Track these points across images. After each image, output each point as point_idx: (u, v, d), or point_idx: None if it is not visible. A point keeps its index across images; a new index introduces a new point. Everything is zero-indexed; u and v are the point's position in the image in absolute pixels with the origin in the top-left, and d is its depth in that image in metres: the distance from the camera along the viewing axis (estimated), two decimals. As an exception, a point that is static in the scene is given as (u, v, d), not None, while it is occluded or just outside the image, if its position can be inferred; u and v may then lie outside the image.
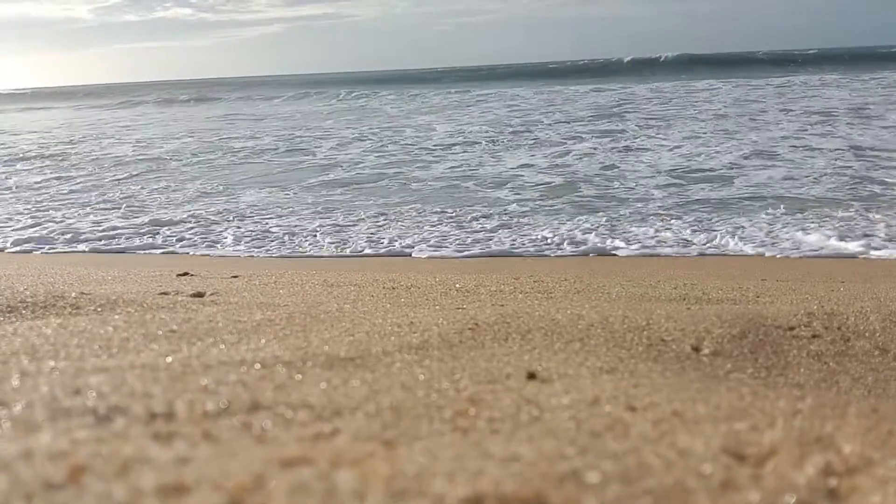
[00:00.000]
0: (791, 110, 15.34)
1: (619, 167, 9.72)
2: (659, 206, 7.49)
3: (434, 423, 1.13)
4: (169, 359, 1.51)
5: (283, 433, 1.05)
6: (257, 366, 1.46)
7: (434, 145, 12.90)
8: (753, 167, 9.16)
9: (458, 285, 3.70)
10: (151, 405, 1.13)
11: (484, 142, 12.90)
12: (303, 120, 20.08)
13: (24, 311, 2.21)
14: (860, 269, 4.07)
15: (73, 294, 2.46)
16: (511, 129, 14.73)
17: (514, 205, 7.92)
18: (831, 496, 0.89)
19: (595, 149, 11.42)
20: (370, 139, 14.32)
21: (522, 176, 9.58)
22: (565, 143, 12.23)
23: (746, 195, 7.83)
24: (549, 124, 15.31)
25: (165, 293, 3.11)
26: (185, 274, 4.33)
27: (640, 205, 7.60)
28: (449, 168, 10.54)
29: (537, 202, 8.10)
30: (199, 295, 3.15)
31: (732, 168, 9.19)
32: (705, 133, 12.40)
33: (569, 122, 15.42)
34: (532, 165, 10.28)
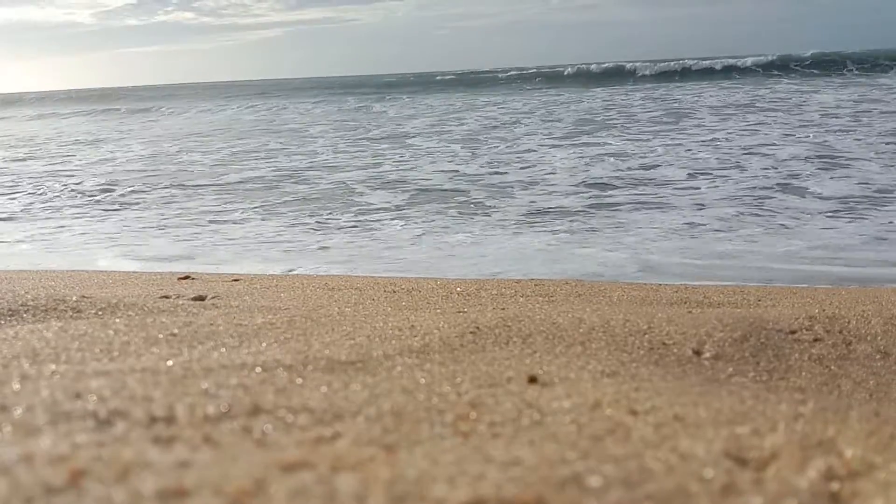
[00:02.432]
0: (771, 114, 15.35)
1: (544, 176, 9.54)
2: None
3: (435, 427, 1.12)
4: (170, 362, 1.50)
5: (283, 437, 1.05)
6: (258, 369, 1.46)
7: (385, 150, 12.92)
8: (694, 177, 9.13)
9: (458, 289, 3.70)
10: (152, 409, 1.13)
11: (439, 151, 12.75)
12: (280, 123, 19.87)
13: (25, 315, 2.21)
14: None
15: (74, 297, 2.46)
16: (480, 136, 14.60)
17: (339, 212, 7.64)
18: (833, 500, 0.89)
19: (552, 156, 11.33)
20: (324, 149, 14.14)
21: (428, 179, 9.52)
22: (520, 151, 12.24)
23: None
24: (524, 130, 15.25)
25: (166, 297, 3.12)
26: (187, 277, 4.33)
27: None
28: (362, 174, 10.39)
29: (391, 204, 7.94)
30: (200, 298, 3.15)
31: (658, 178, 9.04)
32: (682, 141, 12.40)
33: (548, 129, 15.36)
34: (453, 171, 10.09)
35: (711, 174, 8.95)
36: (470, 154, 11.95)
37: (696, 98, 20.74)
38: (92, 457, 0.90)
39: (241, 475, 0.86)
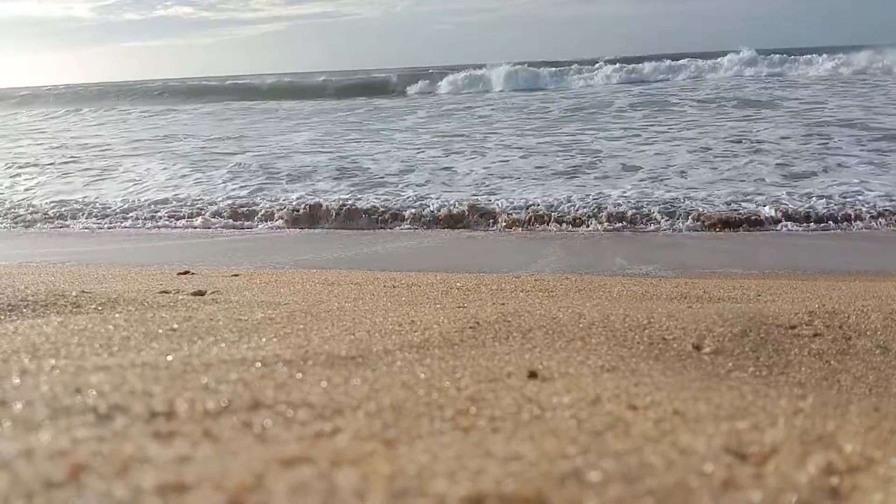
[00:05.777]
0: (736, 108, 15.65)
1: (453, 167, 10.82)
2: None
3: (435, 422, 1.12)
4: (169, 357, 1.50)
5: (283, 432, 1.05)
6: (258, 364, 1.46)
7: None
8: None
9: (458, 284, 3.70)
10: (152, 404, 1.13)
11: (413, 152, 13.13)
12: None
13: (25, 310, 2.21)
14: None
15: (74, 292, 2.46)
16: (456, 135, 14.85)
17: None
18: (833, 495, 0.89)
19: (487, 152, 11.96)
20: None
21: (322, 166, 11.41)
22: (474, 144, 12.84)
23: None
24: (499, 127, 15.65)
25: (166, 292, 3.11)
26: (186, 272, 4.33)
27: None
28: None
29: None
30: (200, 293, 3.15)
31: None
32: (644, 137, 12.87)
33: (528, 123, 15.76)
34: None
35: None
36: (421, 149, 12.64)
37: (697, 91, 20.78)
38: (92, 451, 0.90)
39: (240, 470, 0.86)
